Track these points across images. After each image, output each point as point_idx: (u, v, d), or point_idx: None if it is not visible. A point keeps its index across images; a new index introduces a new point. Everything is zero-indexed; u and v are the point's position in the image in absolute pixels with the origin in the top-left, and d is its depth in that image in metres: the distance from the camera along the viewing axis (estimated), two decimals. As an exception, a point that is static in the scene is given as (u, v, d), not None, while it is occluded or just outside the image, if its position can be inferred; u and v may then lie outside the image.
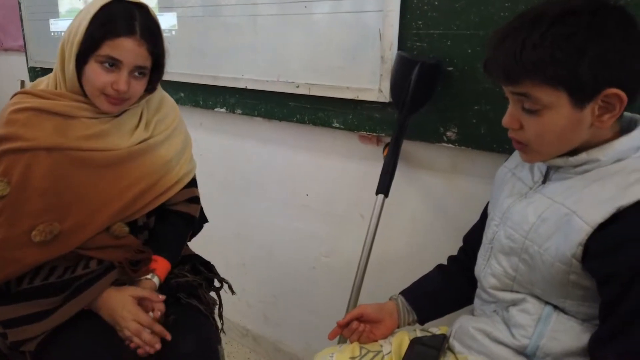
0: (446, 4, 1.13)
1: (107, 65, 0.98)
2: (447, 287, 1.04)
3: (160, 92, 1.19)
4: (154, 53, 1.02)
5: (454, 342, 0.95)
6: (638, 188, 0.69)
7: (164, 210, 1.19)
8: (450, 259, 1.10)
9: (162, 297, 1.06)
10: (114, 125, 1.07)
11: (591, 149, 0.76)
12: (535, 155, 0.80)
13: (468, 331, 0.91)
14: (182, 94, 1.78)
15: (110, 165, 1.06)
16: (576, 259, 0.72)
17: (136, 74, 1.01)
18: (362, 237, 1.42)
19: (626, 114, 0.80)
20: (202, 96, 1.73)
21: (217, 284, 1.27)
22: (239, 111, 1.63)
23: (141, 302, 1.03)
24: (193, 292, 1.16)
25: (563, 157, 0.79)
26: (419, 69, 1.10)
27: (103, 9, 0.97)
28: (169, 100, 1.22)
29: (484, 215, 1.03)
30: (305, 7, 1.35)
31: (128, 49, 0.97)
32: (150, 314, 1.03)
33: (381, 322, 1.02)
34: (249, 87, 1.55)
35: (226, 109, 1.67)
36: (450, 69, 1.15)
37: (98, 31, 0.96)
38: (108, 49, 0.96)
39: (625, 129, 0.78)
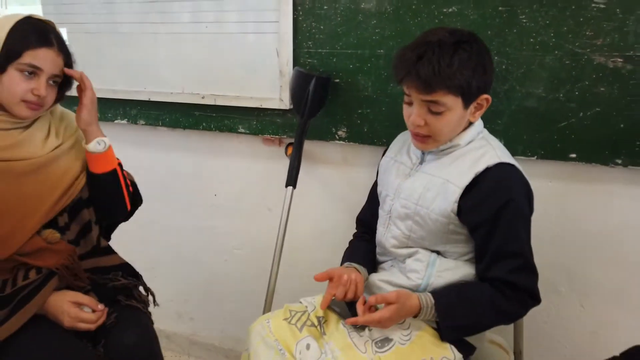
0: (330, 29, 1.40)
1: (26, 73, 1.07)
2: (370, 250, 1.27)
3: (58, 106, 1.28)
4: (67, 64, 1.14)
5: (364, 295, 1.22)
6: (485, 159, 1.04)
7: None
8: (356, 234, 1.36)
9: (101, 306, 1.16)
10: (27, 136, 1.14)
11: (453, 137, 1.08)
12: (433, 144, 1.07)
13: (375, 283, 1.19)
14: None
15: (30, 172, 1.13)
16: (453, 212, 1.05)
17: (51, 82, 1.12)
18: (270, 227, 1.63)
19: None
20: (99, 109, 1.76)
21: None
22: (142, 122, 1.73)
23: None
24: (129, 294, 1.27)
25: None
26: (315, 82, 1.35)
27: (20, 23, 1.07)
28: (68, 111, 1.32)
29: (372, 197, 1.32)
30: (207, 27, 1.52)
31: (48, 59, 1.09)
32: (86, 309, 1.14)
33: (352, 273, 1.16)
34: (152, 99, 1.66)
35: (127, 121, 1.75)
36: (337, 80, 1.42)
37: (19, 43, 1.06)
38: (29, 58, 1.06)
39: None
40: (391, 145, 1.28)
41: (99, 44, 1.68)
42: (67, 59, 1.14)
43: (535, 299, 1.06)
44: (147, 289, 1.38)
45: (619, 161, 1.22)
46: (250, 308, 1.61)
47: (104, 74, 1.71)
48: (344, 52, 1.40)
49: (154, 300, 1.37)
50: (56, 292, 1.13)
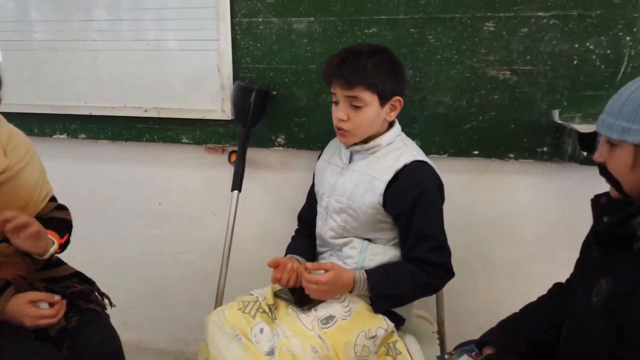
0: (266, 46, 1.55)
1: None
2: (309, 244, 1.45)
3: (7, 125, 1.32)
4: None
5: (307, 281, 1.38)
6: (403, 158, 1.24)
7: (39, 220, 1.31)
8: (297, 230, 1.52)
9: (57, 297, 1.21)
10: None
11: (376, 138, 1.28)
12: (352, 138, 1.26)
13: (318, 271, 1.35)
14: (11, 124, 1.80)
15: None
16: (380, 204, 1.24)
17: None
18: (215, 230, 1.75)
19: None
20: (36, 125, 1.80)
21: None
22: (83, 136, 1.77)
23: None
24: (88, 298, 1.34)
25: (360, 144, 1.29)
26: (255, 94, 1.50)
27: None
28: (18, 130, 1.36)
29: (310, 196, 1.49)
30: (148, 44, 1.61)
31: None
32: (43, 304, 1.18)
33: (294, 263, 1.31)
34: (93, 113, 1.71)
35: (67, 135, 1.78)
36: (275, 93, 1.58)
37: None
38: None
39: (391, 123, 1.33)
40: (325, 150, 1.46)
41: (37, 61, 1.71)
42: None
43: (449, 273, 1.27)
44: (101, 294, 1.44)
45: (512, 155, 1.47)
46: (198, 310, 1.70)
47: (43, 89, 1.74)
48: (279, 67, 1.56)
49: (110, 303, 1.44)
50: (12, 297, 1.17)
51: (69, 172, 1.89)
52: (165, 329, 1.99)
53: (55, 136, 1.79)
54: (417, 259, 1.24)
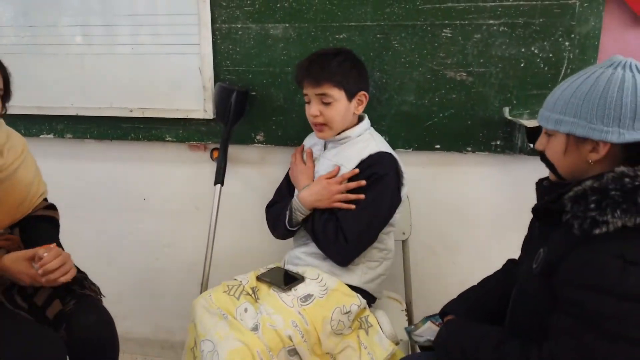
0: (245, 50, 1.68)
1: None
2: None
3: (4, 126, 1.40)
4: (4, 76, 1.27)
5: (288, 266, 1.51)
6: (368, 149, 1.39)
7: (28, 218, 1.40)
8: None
9: (52, 245, 1.27)
10: None
11: (347, 130, 1.43)
12: (329, 131, 1.42)
13: (296, 255, 1.49)
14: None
15: None
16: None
17: None
18: (198, 224, 1.86)
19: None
20: (23, 125, 1.87)
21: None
22: (69, 135, 1.85)
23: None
24: (82, 284, 1.43)
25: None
26: (236, 95, 1.62)
27: None
28: (14, 131, 1.45)
29: (279, 191, 1.62)
30: (132, 48, 1.71)
31: None
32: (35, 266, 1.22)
33: None
34: (80, 113, 1.80)
35: (54, 135, 1.86)
36: (254, 93, 1.70)
37: None
38: None
39: (361, 118, 1.48)
40: (303, 144, 1.60)
41: (23, 64, 1.79)
42: (3, 72, 1.27)
43: (345, 242, 1.35)
44: (92, 284, 1.53)
45: (469, 149, 1.64)
46: (183, 300, 1.80)
47: (30, 91, 1.81)
48: (258, 69, 1.68)
49: (100, 293, 1.53)
50: (8, 255, 1.22)
51: (56, 171, 1.94)
52: (151, 320, 2.08)
53: (42, 136, 1.87)
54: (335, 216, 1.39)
